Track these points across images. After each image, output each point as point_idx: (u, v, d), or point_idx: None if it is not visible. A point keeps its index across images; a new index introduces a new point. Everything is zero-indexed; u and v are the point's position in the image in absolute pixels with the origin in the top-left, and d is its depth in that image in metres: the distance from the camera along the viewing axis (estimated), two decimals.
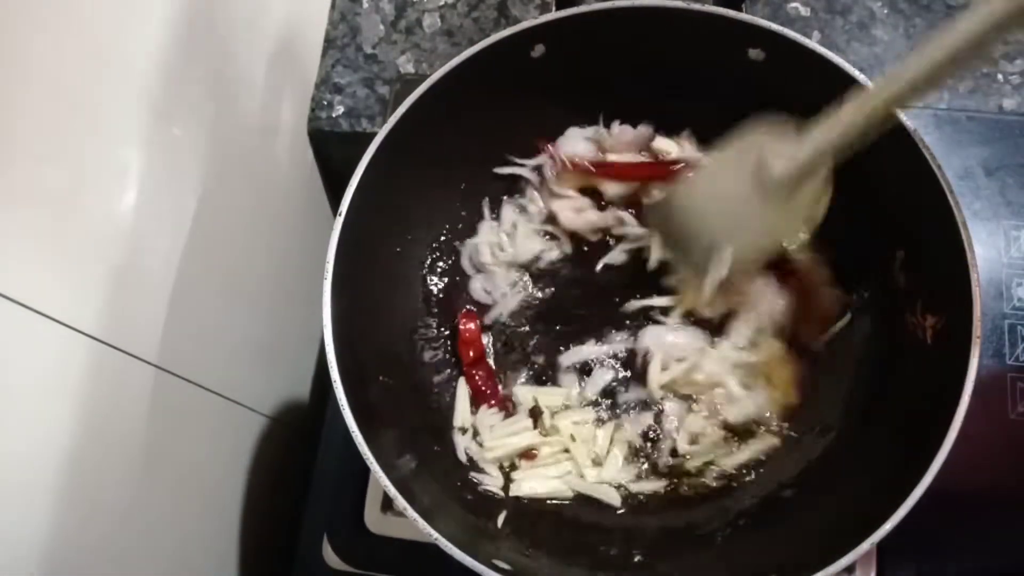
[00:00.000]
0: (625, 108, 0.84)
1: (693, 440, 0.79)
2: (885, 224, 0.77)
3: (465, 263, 0.87)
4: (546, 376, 0.83)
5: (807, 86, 0.74)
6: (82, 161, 0.60)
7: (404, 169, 0.76)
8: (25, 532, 0.56)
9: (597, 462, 0.79)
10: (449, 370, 0.84)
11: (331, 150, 1.03)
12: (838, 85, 0.71)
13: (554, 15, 0.74)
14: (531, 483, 0.78)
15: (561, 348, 0.84)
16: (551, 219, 0.86)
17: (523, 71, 0.77)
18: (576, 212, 0.85)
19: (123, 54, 0.64)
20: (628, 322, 0.84)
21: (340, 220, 0.70)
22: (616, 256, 0.85)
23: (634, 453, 0.80)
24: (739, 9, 0.73)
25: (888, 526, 0.61)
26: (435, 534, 0.63)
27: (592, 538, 0.75)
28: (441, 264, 0.86)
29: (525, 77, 0.78)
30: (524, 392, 0.82)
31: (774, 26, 0.72)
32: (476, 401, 0.82)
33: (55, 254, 0.57)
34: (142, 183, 0.67)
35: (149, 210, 0.68)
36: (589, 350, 0.83)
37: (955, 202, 0.67)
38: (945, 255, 0.68)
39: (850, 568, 0.69)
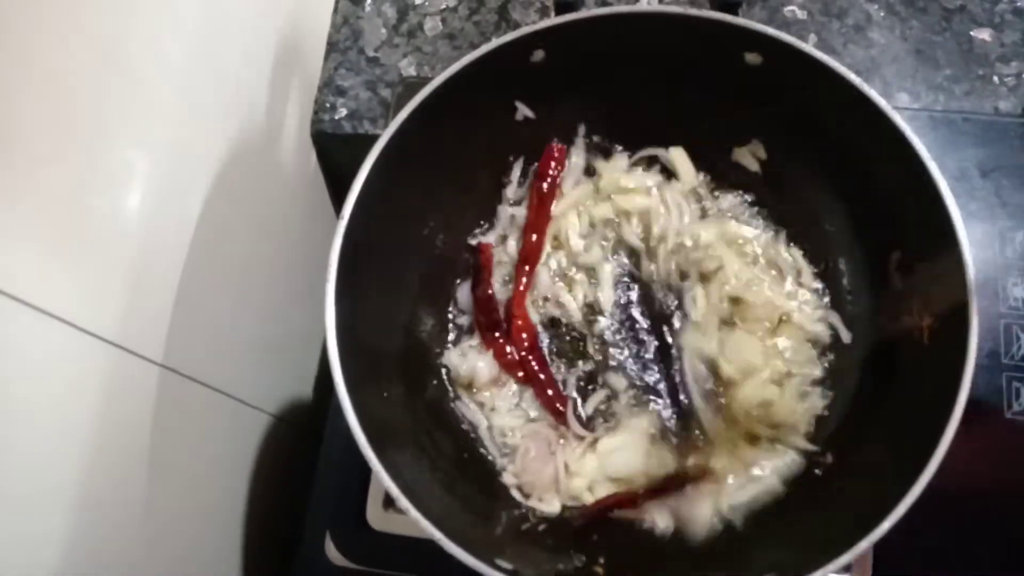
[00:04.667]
0: (623, 113, 0.85)
1: None
2: (881, 226, 0.78)
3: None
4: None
5: (803, 89, 0.75)
6: (87, 162, 0.61)
7: (407, 172, 0.77)
8: (42, 536, 0.57)
9: None
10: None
11: (334, 152, 1.04)
12: (833, 88, 0.72)
13: (553, 21, 0.75)
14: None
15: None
16: None
17: (523, 75, 0.78)
18: None
19: (128, 56, 0.65)
20: None
21: (343, 223, 0.71)
22: None
23: None
24: (736, 13, 0.74)
25: (886, 525, 0.62)
26: (438, 534, 0.64)
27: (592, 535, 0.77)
28: (447, 265, 0.87)
29: (525, 81, 0.79)
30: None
31: (770, 30, 0.73)
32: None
33: (61, 255, 0.58)
34: (148, 184, 0.67)
35: (155, 211, 0.69)
36: None
37: (951, 203, 0.68)
38: (941, 256, 0.69)
39: (846, 568, 0.69)
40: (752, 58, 0.76)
